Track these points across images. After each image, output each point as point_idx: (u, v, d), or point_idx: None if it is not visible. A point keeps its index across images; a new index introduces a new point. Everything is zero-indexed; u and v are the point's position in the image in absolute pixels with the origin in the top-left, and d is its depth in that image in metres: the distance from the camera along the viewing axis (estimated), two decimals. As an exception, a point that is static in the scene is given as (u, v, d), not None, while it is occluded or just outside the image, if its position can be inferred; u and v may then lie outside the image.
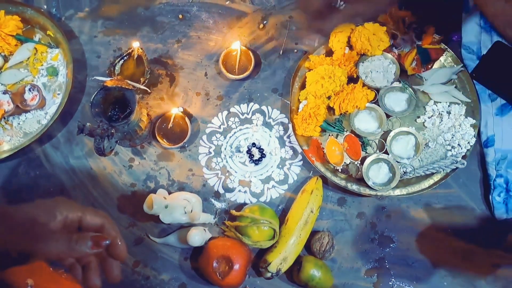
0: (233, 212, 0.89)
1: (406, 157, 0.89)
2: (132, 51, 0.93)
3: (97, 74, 0.99)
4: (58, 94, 0.97)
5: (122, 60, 0.95)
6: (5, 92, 0.93)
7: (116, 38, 1.01)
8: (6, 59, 0.98)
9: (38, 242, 0.52)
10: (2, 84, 0.97)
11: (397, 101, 0.92)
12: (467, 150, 0.89)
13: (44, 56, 0.99)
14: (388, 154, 0.89)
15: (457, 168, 0.88)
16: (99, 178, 0.93)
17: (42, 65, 0.98)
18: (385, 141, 0.90)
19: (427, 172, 0.89)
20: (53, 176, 0.94)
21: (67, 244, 0.52)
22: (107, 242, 0.54)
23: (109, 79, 0.85)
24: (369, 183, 0.87)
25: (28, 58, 0.98)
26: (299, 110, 0.92)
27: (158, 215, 0.85)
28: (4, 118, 0.94)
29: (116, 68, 0.94)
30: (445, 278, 0.87)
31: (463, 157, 0.89)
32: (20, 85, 0.96)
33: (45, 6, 1.03)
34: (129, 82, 0.85)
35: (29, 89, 0.94)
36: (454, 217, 0.90)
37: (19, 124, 0.95)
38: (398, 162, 0.89)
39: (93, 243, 0.53)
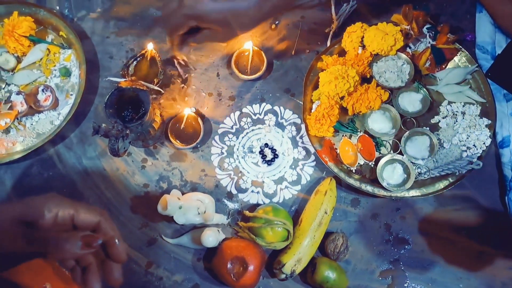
0: (247, 213, 0.88)
1: (421, 158, 0.88)
2: (146, 52, 0.93)
3: (109, 75, 0.99)
4: (71, 94, 0.97)
5: (136, 61, 0.95)
6: (18, 93, 0.93)
7: (129, 39, 1.01)
8: (19, 60, 0.98)
9: (24, 242, 0.49)
10: (15, 85, 0.97)
11: (411, 101, 0.92)
12: (483, 150, 0.88)
13: (57, 57, 0.99)
14: (402, 155, 0.88)
15: (472, 169, 0.87)
16: (112, 178, 0.93)
17: (55, 65, 0.99)
18: (400, 142, 0.89)
19: (442, 173, 0.88)
20: (66, 176, 0.94)
21: (55, 244, 0.48)
22: (99, 242, 0.49)
23: (123, 80, 0.85)
24: (384, 184, 0.87)
25: (41, 59, 0.98)
26: (312, 111, 0.92)
27: (172, 216, 0.85)
28: (18, 119, 0.94)
29: (130, 69, 0.94)
30: (461, 280, 0.87)
31: (479, 158, 0.88)
32: (33, 86, 0.96)
33: (58, 7, 1.04)
34: (143, 83, 0.85)
35: (42, 90, 0.94)
36: (470, 219, 0.89)
37: (32, 124, 0.95)
38: (412, 163, 0.88)
39: (83, 243, 0.48)
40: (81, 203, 0.52)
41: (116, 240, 0.52)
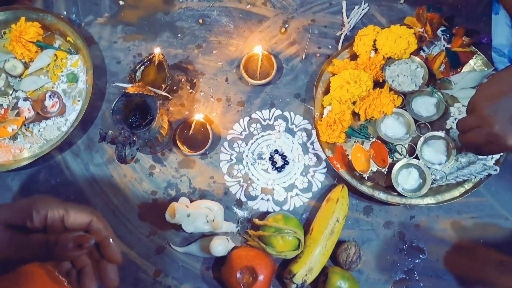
0: (256, 221, 0.86)
1: (438, 163, 0.86)
2: (153, 56, 0.92)
3: (116, 80, 0.98)
4: (78, 100, 0.96)
5: (143, 66, 0.93)
6: (25, 99, 0.92)
7: (136, 44, 1.00)
8: (26, 66, 0.98)
9: (13, 247, 0.47)
10: (22, 91, 0.96)
11: (425, 105, 0.89)
12: (500, 155, 0.85)
13: (64, 63, 0.98)
14: (418, 159, 0.86)
15: (489, 175, 0.84)
16: (120, 185, 0.92)
17: (62, 71, 0.98)
18: (416, 146, 0.87)
19: (458, 180, 0.85)
20: (73, 183, 0.93)
21: (45, 248, 0.46)
22: (92, 242, 0.47)
23: (130, 85, 0.84)
24: (398, 189, 0.84)
25: (48, 65, 0.98)
26: (323, 116, 0.90)
27: (180, 224, 0.83)
28: (25, 125, 0.94)
29: (137, 74, 0.93)
30: (478, 291, 0.84)
31: (496, 163, 0.85)
32: (41, 92, 0.95)
33: (65, 13, 1.03)
34: (150, 88, 0.84)
35: (50, 96, 0.93)
36: (487, 227, 0.86)
37: (39, 131, 0.95)
38: (429, 168, 0.85)
39: (75, 244, 0.46)
40: (71, 203, 0.50)
41: (110, 240, 0.50)
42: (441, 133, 0.87)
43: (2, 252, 0.47)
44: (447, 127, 0.89)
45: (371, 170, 0.88)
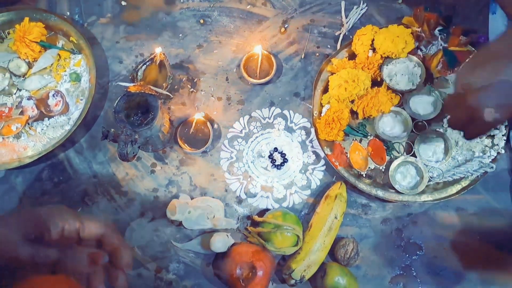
0: (256, 217, 0.88)
1: (435, 160, 0.87)
2: (155, 56, 0.93)
3: (119, 80, 0.99)
4: (81, 99, 0.97)
5: (145, 65, 0.95)
6: (29, 98, 0.94)
7: (138, 44, 1.01)
8: (30, 66, 0.99)
9: (30, 258, 0.49)
10: (26, 90, 0.98)
11: (422, 104, 0.90)
12: (497, 153, 0.86)
13: (67, 62, 1.00)
14: (415, 157, 0.87)
15: (486, 172, 0.85)
16: (122, 183, 0.94)
17: (65, 71, 0.99)
18: (413, 144, 0.88)
19: (455, 177, 0.87)
20: (76, 181, 0.94)
21: (61, 262, 0.49)
22: (105, 260, 0.51)
23: (132, 84, 0.85)
24: (396, 187, 0.86)
25: (52, 64, 0.99)
26: (322, 114, 0.91)
27: (181, 221, 0.85)
28: (28, 124, 0.95)
29: (139, 73, 0.94)
30: (475, 287, 0.85)
31: (493, 161, 0.86)
32: (44, 91, 0.97)
33: (68, 13, 1.04)
34: (152, 87, 0.85)
35: (53, 95, 0.94)
36: (484, 224, 0.88)
37: (42, 129, 0.96)
38: (426, 165, 0.87)
39: (90, 260, 0.50)
40: (86, 216, 0.53)
41: (122, 250, 0.53)
42: (438, 131, 0.88)
43: (15, 261, 0.49)
44: (444, 125, 0.90)
45: (369, 167, 0.89)
